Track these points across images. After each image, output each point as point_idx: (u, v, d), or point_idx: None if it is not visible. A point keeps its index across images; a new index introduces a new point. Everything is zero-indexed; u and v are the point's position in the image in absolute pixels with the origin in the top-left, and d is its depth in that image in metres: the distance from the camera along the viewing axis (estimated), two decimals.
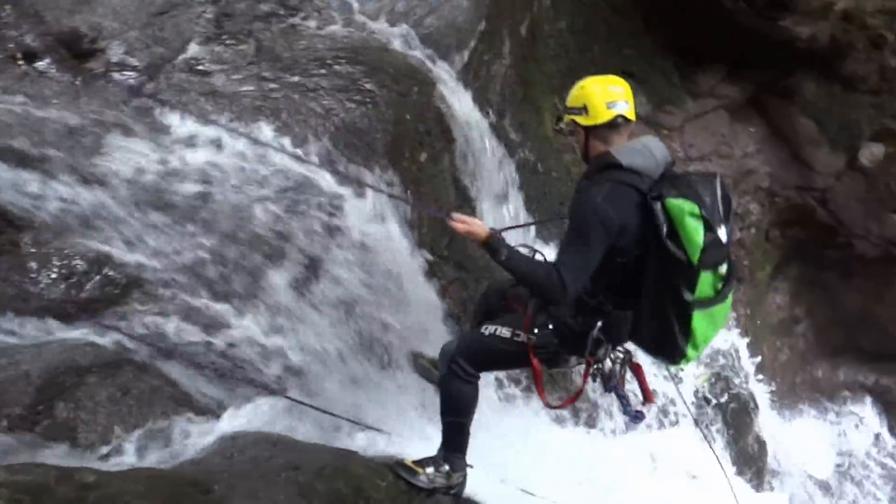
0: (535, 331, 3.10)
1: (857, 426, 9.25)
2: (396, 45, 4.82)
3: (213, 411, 3.98)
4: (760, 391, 8.15)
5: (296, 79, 4.59)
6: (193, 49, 4.56)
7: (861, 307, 8.74)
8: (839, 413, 9.35)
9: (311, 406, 3.95)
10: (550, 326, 3.09)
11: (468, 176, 5.77)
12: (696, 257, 2.65)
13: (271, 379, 4.05)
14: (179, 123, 4.12)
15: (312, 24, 4.65)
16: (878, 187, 7.56)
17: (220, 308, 4.06)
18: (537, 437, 5.39)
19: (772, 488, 7.75)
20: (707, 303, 2.77)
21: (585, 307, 3.01)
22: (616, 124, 2.91)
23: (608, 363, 3.19)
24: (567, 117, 3.05)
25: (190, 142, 4.02)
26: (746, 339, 7.66)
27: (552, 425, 5.54)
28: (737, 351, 7.31)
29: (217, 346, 4.06)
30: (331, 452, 3.75)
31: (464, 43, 5.25)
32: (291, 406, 4.18)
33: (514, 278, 3.07)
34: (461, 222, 3.00)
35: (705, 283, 2.72)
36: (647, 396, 3.26)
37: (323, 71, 4.65)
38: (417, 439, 4.28)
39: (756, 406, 7.38)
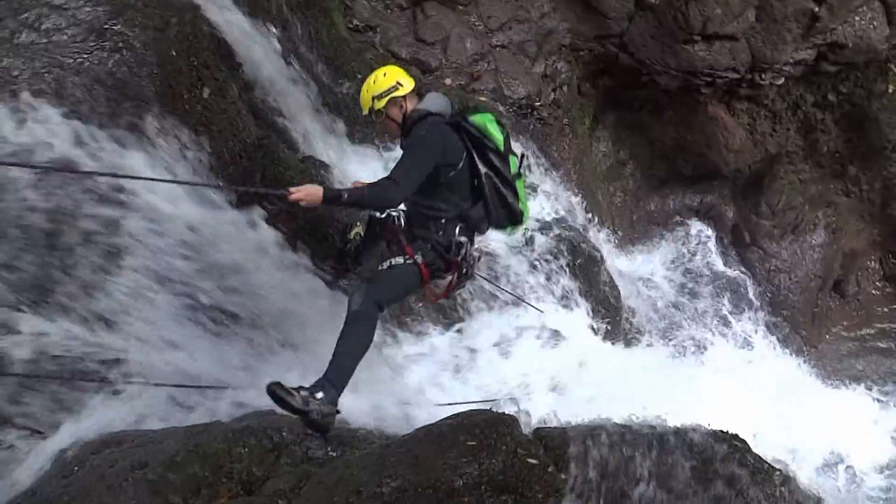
0: (420, 253, 3.76)
1: (691, 243, 10.00)
2: None
3: (42, 428, 3.60)
4: (602, 238, 8.58)
5: (30, 36, 3.93)
6: None
7: (675, 137, 9.29)
8: (675, 237, 10.06)
9: (141, 383, 3.65)
10: (429, 247, 3.79)
11: (268, 101, 5.36)
12: (502, 146, 3.84)
13: (96, 374, 3.68)
14: None
15: None
16: (667, 21, 7.81)
17: (13, 315, 3.60)
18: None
19: (629, 321, 8.32)
20: (517, 176, 3.96)
21: (442, 222, 3.82)
22: (416, 88, 3.90)
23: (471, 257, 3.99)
24: (382, 101, 3.81)
25: None
26: (579, 196, 7.92)
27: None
28: (572, 209, 7.56)
29: (24, 356, 3.62)
30: (183, 434, 3.51)
31: None
32: (134, 397, 3.88)
33: (360, 207, 3.89)
34: (298, 192, 3.33)
35: (512, 163, 3.93)
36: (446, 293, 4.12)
37: (60, 21, 4.00)
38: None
39: (601, 254, 7.75)
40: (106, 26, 3.99)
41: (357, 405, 4.35)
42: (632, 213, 9.83)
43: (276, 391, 3.21)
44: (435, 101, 3.86)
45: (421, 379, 5.43)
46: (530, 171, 7.16)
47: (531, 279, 6.52)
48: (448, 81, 7.20)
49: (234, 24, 4.93)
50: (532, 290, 6.46)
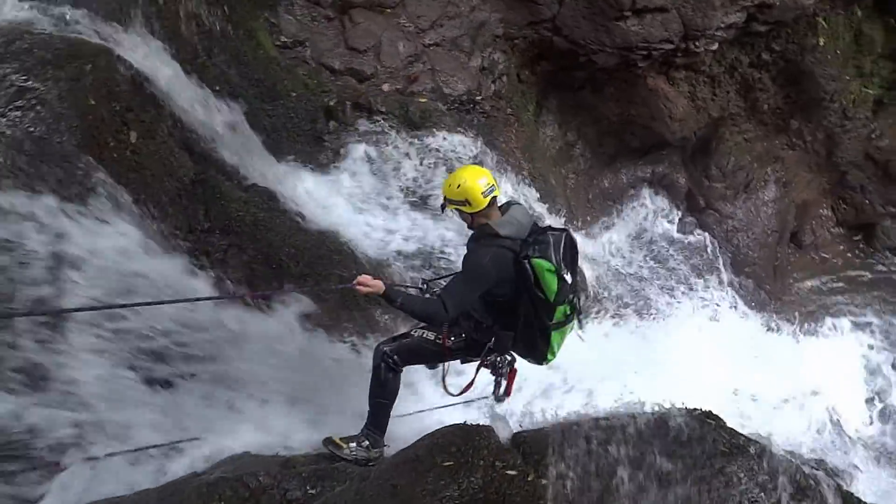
0: (452, 338, 4.01)
1: (648, 214, 10.07)
2: (42, 24, 4.05)
3: None
4: (561, 222, 8.58)
5: None
6: None
7: (619, 113, 9.30)
8: (633, 209, 10.11)
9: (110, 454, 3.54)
10: (463, 336, 4.02)
11: (200, 135, 5.22)
12: (552, 298, 3.76)
13: (46, 450, 3.55)
14: None
15: None
16: (596, 0, 7.81)
17: None
18: None
19: (597, 301, 8.36)
20: (560, 325, 3.93)
21: (482, 327, 3.99)
22: (492, 204, 3.86)
23: (497, 363, 4.24)
24: (452, 206, 3.93)
25: None
26: (532, 183, 7.90)
27: None
28: (526, 197, 7.55)
29: None
30: (156, 497, 3.42)
31: None
32: (99, 463, 3.76)
33: (409, 315, 3.87)
34: (363, 285, 3.66)
35: (559, 312, 3.86)
36: (508, 392, 4.40)
37: None
38: (235, 432, 4.13)
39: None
40: (16, 85, 3.82)
41: (336, 424, 4.34)
42: (586, 192, 9.84)
43: (327, 446, 3.88)
44: (509, 225, 3.84)
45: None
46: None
47: None
48: (385, 87, 7.10)
49: (152, 60, 4.79)
50: None
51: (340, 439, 3.93)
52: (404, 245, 6.49)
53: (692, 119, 9.39)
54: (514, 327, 3.98)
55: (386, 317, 5.88)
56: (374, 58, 7.22)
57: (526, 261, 3.75)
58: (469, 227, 4.02)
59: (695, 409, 3.97)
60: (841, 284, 10.28)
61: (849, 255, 10.40)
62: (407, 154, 6.73)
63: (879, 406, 8.85)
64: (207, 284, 4.43)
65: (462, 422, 3.70)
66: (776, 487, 3.51)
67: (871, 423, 8.52)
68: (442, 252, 6.30)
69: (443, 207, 4.07)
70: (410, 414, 5.04)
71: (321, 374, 5.28)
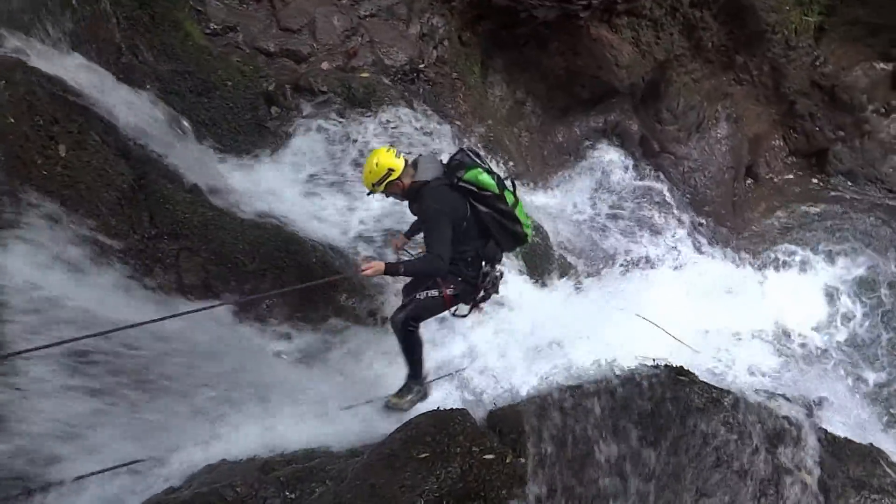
0: (451, 287, 4.66)
1: (605, 164, 10.03)
2: None
3: None
4: (519, 182, 8.50)
5: None
6: None
7: (565, 66, 9.20)
8: (589, 161, 10.05)
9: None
10: (459, 279, 4.68)
11: (134, 138, 5.00)
12: (496, 190, 4.54)
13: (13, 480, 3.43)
14: None
15: None
16: None
17: None
18: None
19: (562, 259, 8.35)
20: (515, 205, 4.66)
21: (471, 262, 4.67)
22: (407, 164, 4.58)
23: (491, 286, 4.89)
24: (382, 185, 4.55)
25: None
26: (486, 147, 7.79)
27: None
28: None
29: None
30: None
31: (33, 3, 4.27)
32: (69, 487, 3.66)
33: (415, 276, 4.69)
34: (368, 268, 4.29)
35: (508, 196, 4.62)
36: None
37: None
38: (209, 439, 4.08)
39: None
40: None
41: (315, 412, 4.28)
42: (541, 148, 9.75)
43: (391, 406, 4.84)
44: (428, 170, 4.54)
45: (368, 374, 5.36)
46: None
47: None
48: (325, 66, 6.89)
49: (72, 66, 4.55)
50: None
51: (395, 396, 4.87)
52: (363, 224, 6.37)
53: (638, 64, 9.32)
54: (489, 236, 4.65)
55: (351, 301, 5.82)
56: (310, 36, 6.99)
57: (460, 181, 4.48)
58: (402, 194, 4.63)
59: (667, 366, 3.97)
60: (799, 213, 10.40)
61: (804, 183, 10.52)
62: (354, 132, 6.56)
63: (849, 333, 9.01)
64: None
65: (435, 407, 3.65)
66: (753, 437, 3.55)
67: (841, 351, 8.69)
68: (402, 228, 6.20)
69: (372, 193, 4.66)
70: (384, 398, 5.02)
71: (291, 367, 5.21)
